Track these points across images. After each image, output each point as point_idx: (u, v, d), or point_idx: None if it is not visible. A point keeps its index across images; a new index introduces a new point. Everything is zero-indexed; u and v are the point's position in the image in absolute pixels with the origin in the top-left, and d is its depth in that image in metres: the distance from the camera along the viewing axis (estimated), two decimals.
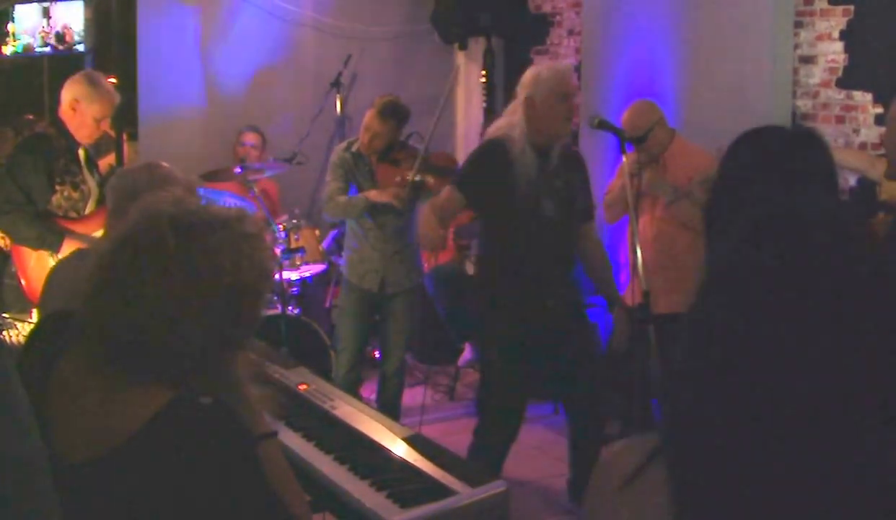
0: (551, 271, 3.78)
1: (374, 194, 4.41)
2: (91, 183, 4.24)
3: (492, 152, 3.80)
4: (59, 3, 5.85)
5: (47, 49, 5.88)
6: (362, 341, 4.66)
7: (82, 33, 5.82)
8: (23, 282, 4.10)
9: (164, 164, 2.71)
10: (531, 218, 3.74)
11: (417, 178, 4.38)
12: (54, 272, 2.79)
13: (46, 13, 5.85)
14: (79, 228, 4.07)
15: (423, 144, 4.50)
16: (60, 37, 5.81)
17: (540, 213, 3.72)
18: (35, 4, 5.86)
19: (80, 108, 4.12)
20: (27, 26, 5.87)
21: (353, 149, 4.53)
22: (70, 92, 4.15)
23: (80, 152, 4.21)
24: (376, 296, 4.57)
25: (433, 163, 4.54)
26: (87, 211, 4.19)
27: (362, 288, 4.55)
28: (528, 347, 3.79)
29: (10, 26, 5.87)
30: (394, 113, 4.48)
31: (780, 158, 1.85)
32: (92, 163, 4.35)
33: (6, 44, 5.89)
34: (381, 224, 4.48)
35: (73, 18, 5.86)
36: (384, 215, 4.47)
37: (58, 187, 4.08)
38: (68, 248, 3.88)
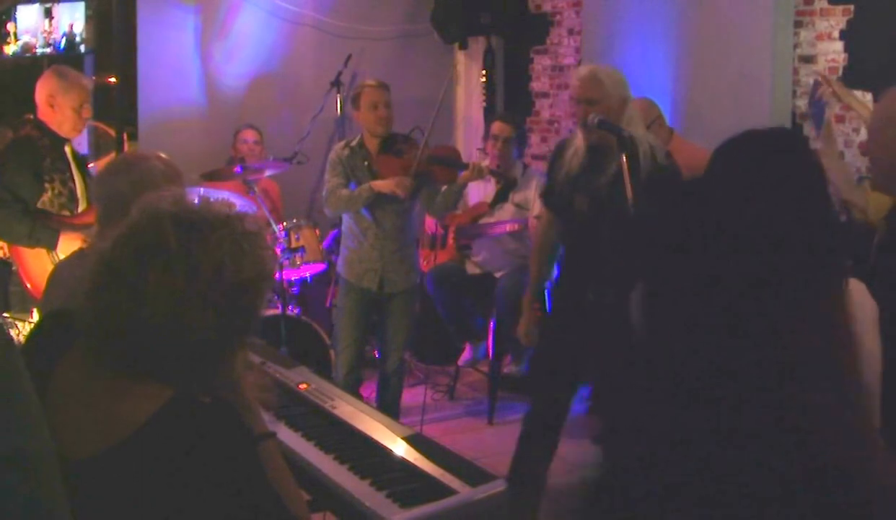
0: (587, 267, 3.76)
1: (378, 184, 4.38)
2: (79, 180, 4.25)
3: (554, 151, 3.95)
4: (61, 3, 5.84)
5: (49, 49, 5.87)
6: (362, 342, 4.65)
7: (83, 34, 5.82)
8: (28, 285, 4.10)
9: (153, 156, 2.66)
10: (564, 212, 3.80)
11: (421, 170, 4.37)
12: (55, 273, 2.79)
13: (49, 13, 5.84)
14: (74, 221, 4.08)
15: (426, 135, 4.47)
16: (70, 40, 5.80)
17: (573, 208, 3.75)
18: (37, 5, 5.86)
19: (56, 102, 4.15)
20: (28, 26, 5.86)
21: (353, 144, 4.52)
22: (43, 90, 4.18)
23: (67, 150, 4.22)
24: (375, 295, 4.55)
25: (437, 154, 4.51)
26: (81, 208, 4.19)
27: (361, 287, 4.53)
28: (566, 337, 3.81)
29: (10, 26, 5.86)
30: (384, 85, 4.49)
31: (753, 166, 1.84)
32: (79, 160, 4.35)
33: (7, 43, 5.89)
34: (379, 222, 4.46)
35: (75, 19, 5.85)
36: (383, 213, 4.46)
37: (47, 186, 4.09)
38: (66, 243, 3.89)
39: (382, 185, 4.36)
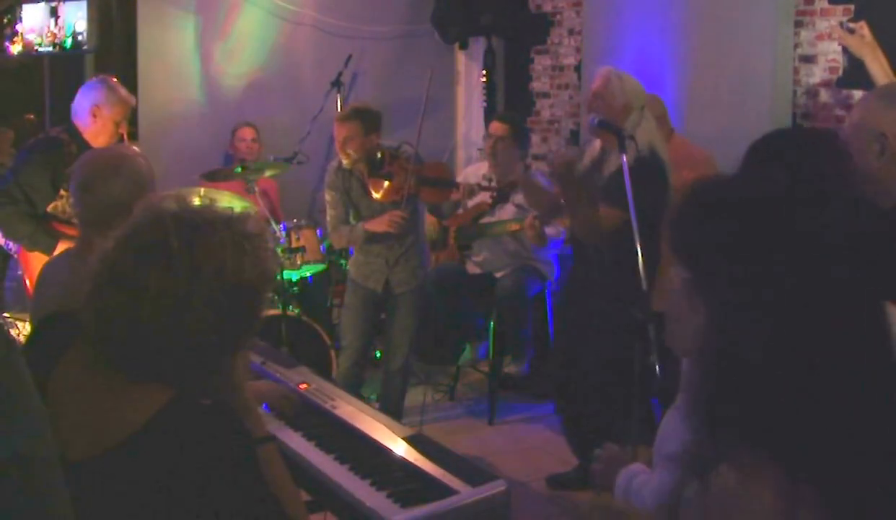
0: (588, 265, 3.86)
1: (370, 225, 4.45)
2: None
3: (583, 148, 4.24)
4: (66, 3, 5.84)
5: (53, 49, 5.86)
6: (365, 339, 4.67)
7: (85, 35, 5.81)
8: (27, 283, 4.11)
9: (133, 153, 2.66)
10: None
11: (412, 193, 4.39)
12: (43, 273, 2.77)
13: (54, 13, 5.84)
14: (77, 233, 4.07)
15: (412, 157, 4.46)
16: (75, 40, 5.79)
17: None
18: (42, 4, 5.86)
19: (101, 113, 4.13)
20: (34, 25, 5.86)
21: (345, 166, 4.52)
22: (88, 98, 4.14)
23: None
24: (381, 295, 4.59)
25: (426, 175, 4.50)
26: None
27: (367, 287, 4.58)
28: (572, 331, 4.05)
29: (18, 26, 5.85)
30: (352, 114, 4.45)
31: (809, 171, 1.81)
32: None
33: (14, 43, 5.89)
34: (381, 236, 4.49)
35: (79, 18, 5.84)
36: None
37: (63, 193, 4.09)
38: (63, 250, 3.88)
39: (376, 225, 4.43)
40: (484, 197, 5.45)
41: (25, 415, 1.19)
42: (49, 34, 5.82)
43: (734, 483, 1.09)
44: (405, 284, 4.59)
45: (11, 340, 1.25)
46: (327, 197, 4.61)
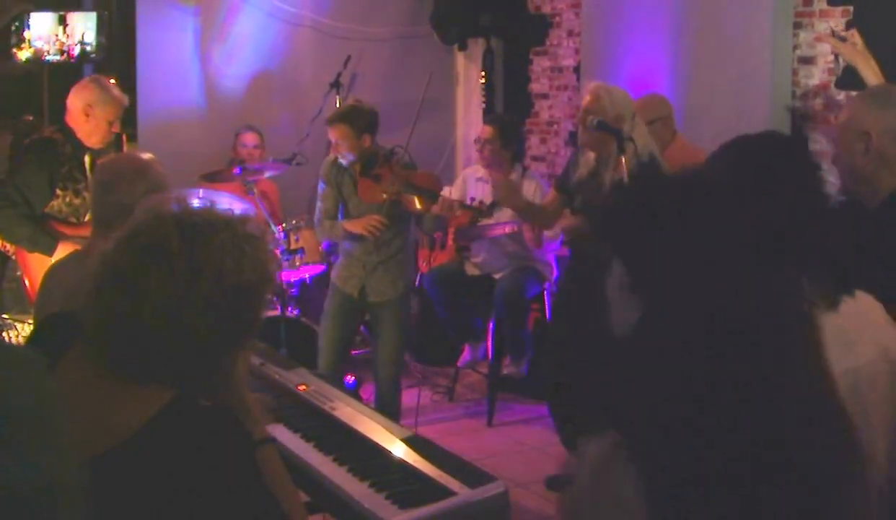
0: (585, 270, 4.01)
1: (349, 225, 4.46)
2: None
3: (572, 156, 4.36)
4: (75, 12, 5.88)
5: (61, 57, 5.87)
6: (342, 344, 4.63)
7: (93, 44, 5.84)
8: (26, 283, 4.11)
9: (153, 159, 2.72)
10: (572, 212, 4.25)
11: (394, 198, 4.36)
12: (50, 275, 2.78)
13: (62, 21, 5.86)
14: (75, 232, 4.08)
15: (403, 161, 4.44)
16: (83, 50, 5.82)
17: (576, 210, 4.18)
18: (51, 13, 5.88)
19: (93, 112, 4.13)
20: (42, 33, 5.88)
21: (340, 160, 4.52)
22: (81, 98, 4.15)
23: (86, 159, 4.21)
24: (357, 302, 4.56)
25: (414, 183, 4.45)
26: (88, 217, 4.19)
27: (344, 291, 4.56)
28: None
29: (26, 33, 5.87)
30: (339, 117, 4.42)
31: (753, 170, 1.82)
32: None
33: (21, 49, 5.90)
34: (363, 238, 4.47)
35: (87, 28, 5.87)
36: None
37: (60, 192, 4.09)
38: (63, 251, 3.88)
39: (353, 226, 4.44)
40: (482, 196, 5.45)
41: (54, 442, 1.16)
42: (57, 42, 5.84)
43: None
44: (381, 294, 4.52)
45: (45, 367, 1.22)
46: (319, 189, 4.62)
